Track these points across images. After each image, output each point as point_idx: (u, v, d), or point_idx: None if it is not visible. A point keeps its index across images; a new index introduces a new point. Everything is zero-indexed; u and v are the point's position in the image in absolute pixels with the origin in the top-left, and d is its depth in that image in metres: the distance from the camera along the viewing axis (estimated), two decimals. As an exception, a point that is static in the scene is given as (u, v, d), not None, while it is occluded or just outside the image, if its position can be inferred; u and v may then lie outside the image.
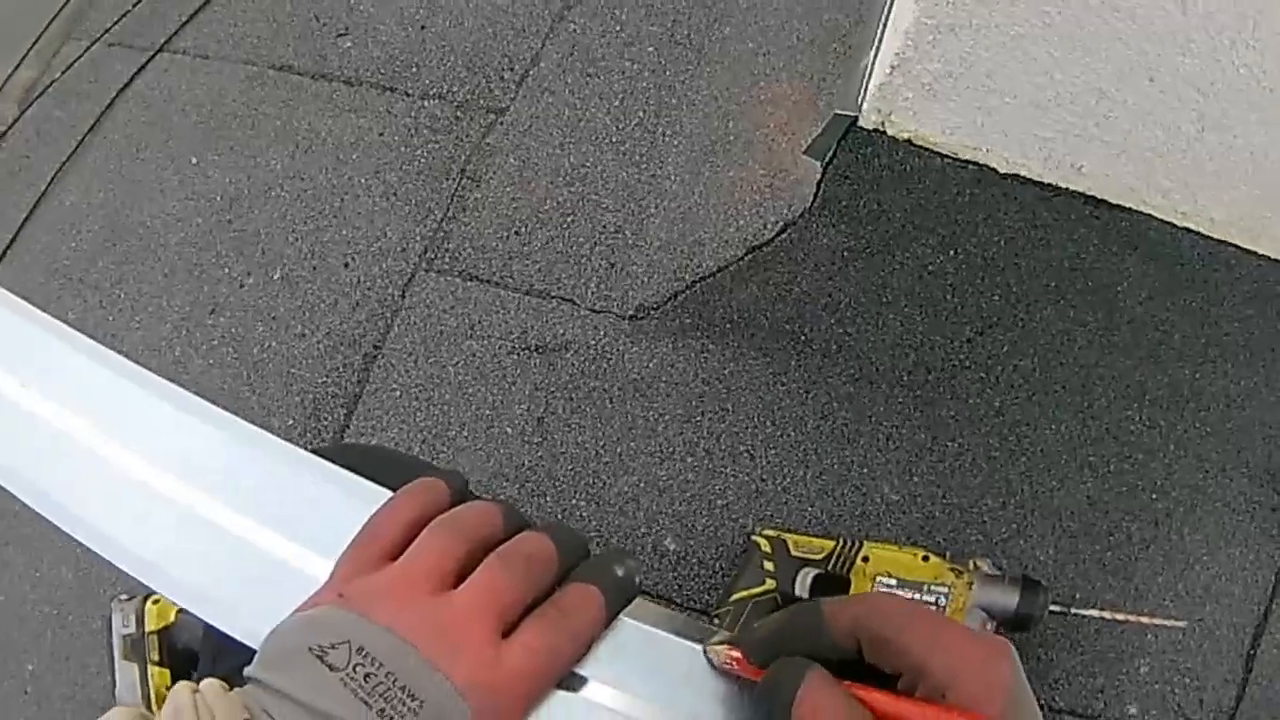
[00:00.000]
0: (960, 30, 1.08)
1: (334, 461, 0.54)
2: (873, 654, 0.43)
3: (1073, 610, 1.16)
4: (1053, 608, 1.14)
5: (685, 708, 0.47)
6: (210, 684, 0.43)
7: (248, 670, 0.42)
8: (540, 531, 0.48)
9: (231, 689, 0.43)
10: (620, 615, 0.48)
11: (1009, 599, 1.12)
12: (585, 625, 0.46)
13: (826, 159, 1.24)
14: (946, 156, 1.19)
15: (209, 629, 0.53)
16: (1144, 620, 1.17)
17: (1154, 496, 1.33)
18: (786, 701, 0.42)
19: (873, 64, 1.12)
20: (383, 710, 0.40)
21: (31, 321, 0.62)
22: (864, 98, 1.16)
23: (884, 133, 1.18)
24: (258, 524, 0.52)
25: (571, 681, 0.47)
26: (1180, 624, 1.18)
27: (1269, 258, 1.33)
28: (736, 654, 0.46)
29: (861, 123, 1.17)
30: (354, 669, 0.40)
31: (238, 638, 0.48)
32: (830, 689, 0.42)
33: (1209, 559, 1.30)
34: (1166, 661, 1.26)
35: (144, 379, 0.59)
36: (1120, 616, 1.16)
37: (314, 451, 0.57)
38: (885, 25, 1.20)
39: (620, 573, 0.48)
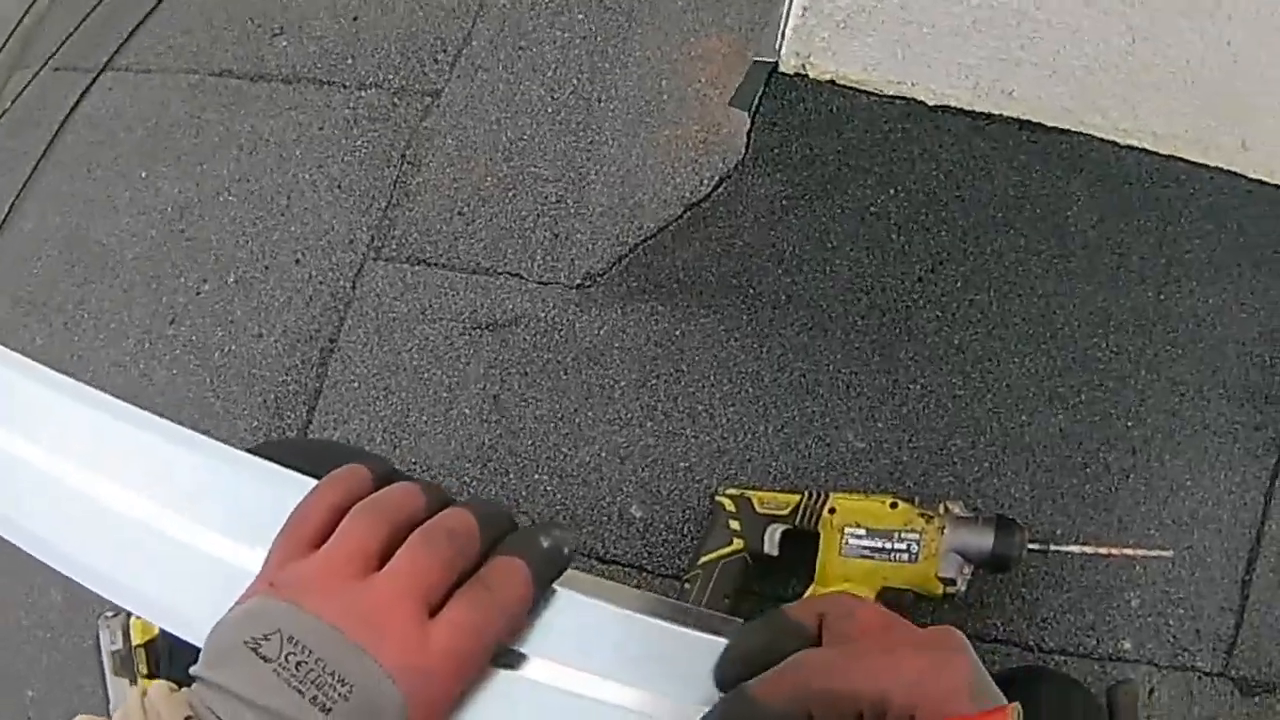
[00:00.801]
0: (866, -39, 1.05)
1: (266, 458, 0.55)
2: (825, 714, 0.41)
3: (1053, 547, 1.12)
4: (1031, 546, 1.10)
5: (625, 676, 0.47)
6: (158, 686, 0.44)
7: (192, 669, 0.43)
8: (462, 507, 0.48)
9: (181, 689, 0.44)
10: (558, 587, 0.49)
11: (984, 540, 1.09)
12: (512, 598, 0.46)
13: (752, 108, 1.20)
14: (872, 94, 1.16)
15: (163, 632, 0.55)
16: (1128, 553, 1.12)
17: (1129, 424, 1.28)
18: None
19: (788, 7, 1.09)
20: (315, 697, 0.40)
21: None
22: (781, 42, 1.12)
23: (806, 76, 1.14)
24: (191, 522, 0.52)
25: (511, 659, 0.47)
26: (1166, 554, 1.14)
27: (1221, 169, 1.28)
28: None
29: (782, 68, 1.13)
30: (286, 658, 0.40)
31: (184, 638, 0.48)
32: None
33: (1193, 485, 1.25)
34: (1158, 593, 1.21)
35: (73, 390, 0.59)
36: (1104, 550, 1.11)
37: (249, 450, 0.57)
38: (798, -35, 1.16)
39: (546, 543, 0.48)
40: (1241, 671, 1.19)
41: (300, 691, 0.40)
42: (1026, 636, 1.22)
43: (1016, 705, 0.38)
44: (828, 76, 1.13)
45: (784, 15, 1.10)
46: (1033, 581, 1.23)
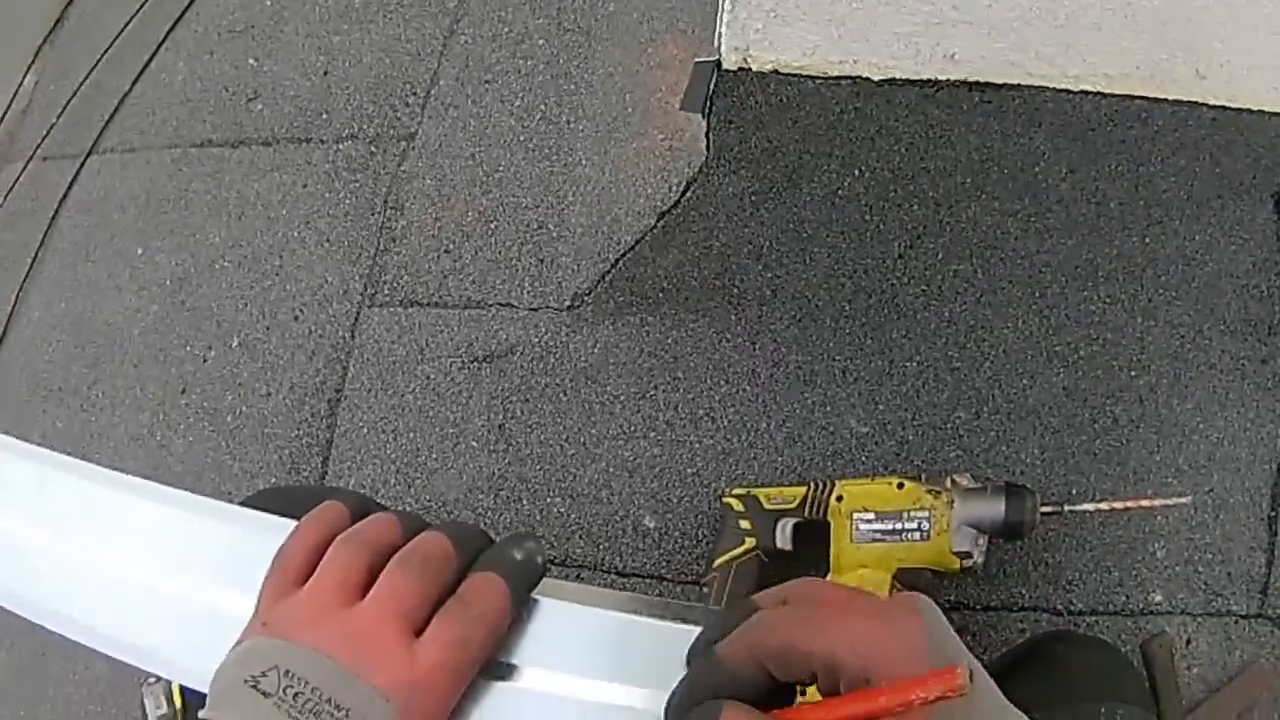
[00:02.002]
0: (781, -55, 1.04)
1: (255, 508, 0.57)
2: (781, 671, 0.42)
3: (1067, 508, 1.09)
4: (1045, 509, 1.07)
5: (613, 675, 0.48)
6: None
7: (200, 713, 0.43)
8: (437, 531, 0.49)
9: None
10: (540, 597, 0.50)
11: (995, 509, 1.07)
12: (492, 611, 0.47)
13: (705, 109, 1.20)
14: (817, 78, 1.15)
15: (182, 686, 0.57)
16: (1145, 504, 1.08)
17: (1133, 374, 1.26)
18: None
19: (720, 4, 1.08)
20: None
21: None
22: (719, 40, 1.11)
23: (749, 69, 1.13)
24: (187, 576, 0.54)
25: (503, 671, 0.48)
26: (1185, 500, 1.08)
27: (1182, 100, 1.25)
28: None
29: (725, 65, 1.12)
30: (284, 691, 0.42)
31: (195, 687, 0.49)
32: (746, 716, 0.41)
33: (1205, 427, 1.22)
34: (1183, 541, 1.18)
35: (66, 464, 0.61)
36: (1119, 505, 1.08)
37: (241, 502, 0.61)
38: (726, -37, 1.15)
39: (519, 556, 0.49)
40: (1279, 610, 1.15)
41: None
42: (1054, 601, 1.19)
43: (966, 664, 0.37)
44: (770, 67, 1.12)
45: (719, 12, 1.10)
46: (1053, 545, 1.20)
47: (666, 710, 0.45)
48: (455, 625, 0.46)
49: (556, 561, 1.33)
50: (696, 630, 0.48)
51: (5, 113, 2.03)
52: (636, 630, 0.49)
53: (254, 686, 0.42)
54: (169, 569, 0.55)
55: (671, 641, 0.48)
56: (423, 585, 0.46)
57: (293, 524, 0.51)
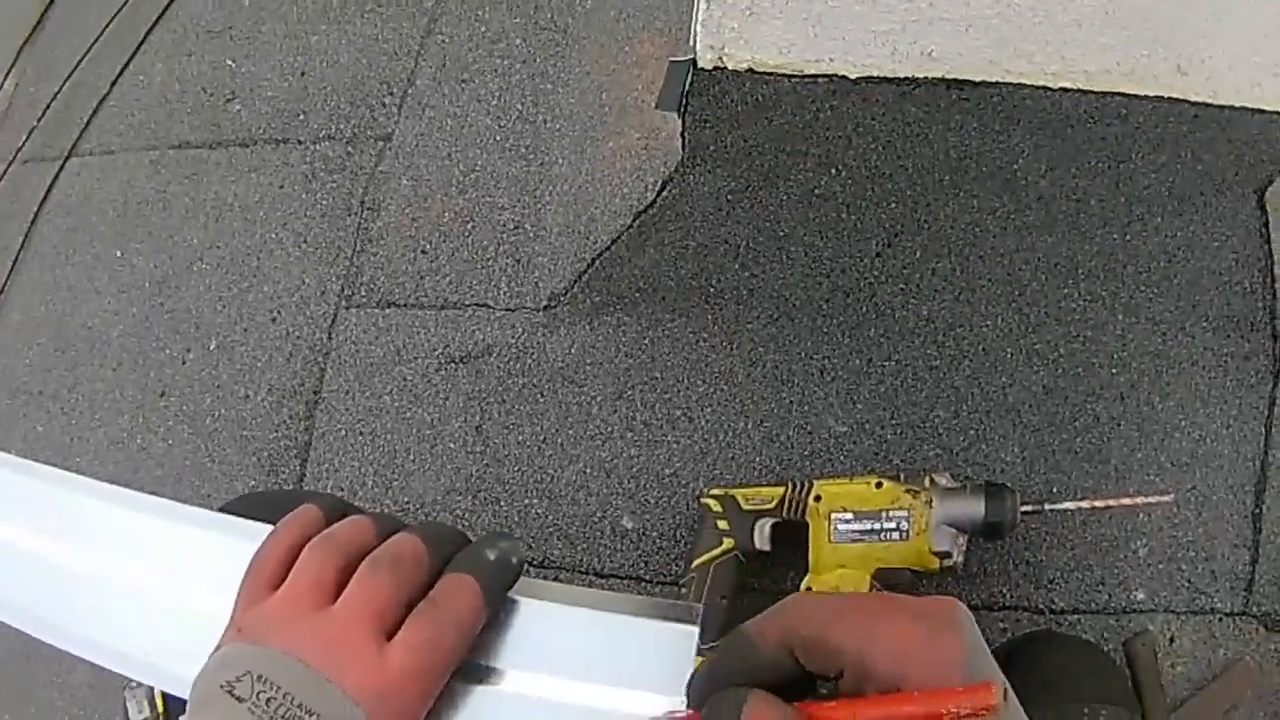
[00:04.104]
0: (758, -56, 0.99)
1: (234, 513, 0.56)
2: (809, 661, 0.40)
3: (1048, 507, 1.06)
4: (1025, 508, 1.05)
5: (595, 675, 0.47)
6: None
7: (180, 719, 0.44)
8: (410, 532, 0.48)
9: None
10: (519, 598, 0.49)
11: (974, 509, 1.04)
12: (464, 612, 0.46)
13: (681, 108, 1.16)
14: (793, 77, 1.10)
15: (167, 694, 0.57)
16: (1127, 502, 1.05)
17: (1114, 371, 1.22)
18: None
19: (696, 2, 1.04)
20: None
21: None
22: (694, 38, 1.07)
23: (725, 68, 1.09)
24: (167, 583, 0.54)
25: (484, 674, 0.47)
26: (1167, 498, 1.05)
27: (1163, 97, 1.21)
28: (682, 716, 0.43)
29: (700, 63, 1.08)
30: (258, 696, 0.41)
31: (178, 694, 0.49)
32: (773, 709, 0.38)
33: (1187, 424, 1.19)
34: (1166, 539, 1.15)
35: (50, 475, 0.61)
36: (1100, 503, 1.06)
37: (219, 508, 0.61)
38: (701, -41, 1.11)
39: (493, 556, 0.48)
40: (1264, 607, 1.12)
41: None
42: (1035, 600, 1.16)
43: (1002, 684, 0.35)
44: (745, 65, 1.08)
45: (694, 10, 1.06)
46: (1035, 544, 1.17)
47: (689, 689, 0.44)
48: (426, 627, 0.45)
49: (535, 563, 1.29)
50: (678, 627, 0.47)
51: (-16, 117, 1.98)
52: (617, 629, 0.48)
53: (229, 692, 0.41)
54: (149, 575, 0.54)
55: (653, 640, 0.47)
56: (394, 587, 0.45)
57: (268, 529, 0.50)
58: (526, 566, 0.50)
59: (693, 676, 0.44)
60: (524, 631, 0.48)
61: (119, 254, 1.72)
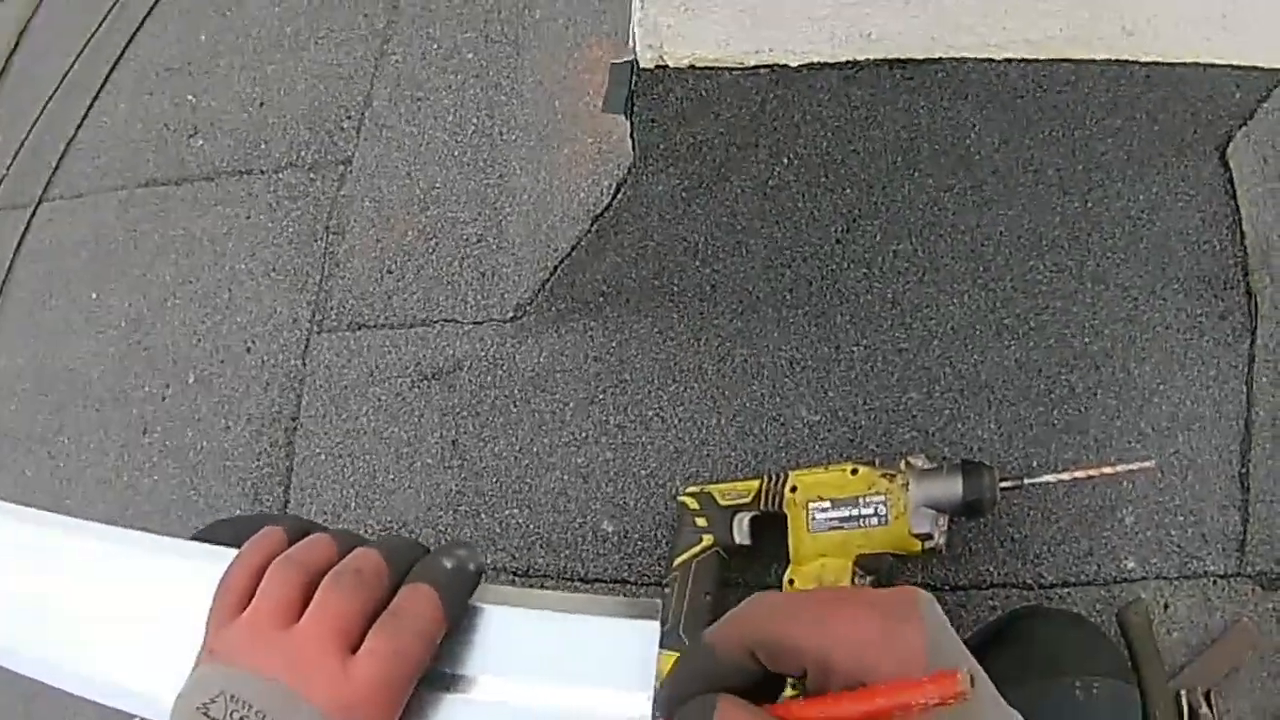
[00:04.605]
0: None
1: (206, 540, 0.58)
2: (772, 663, 0.40)
3: (1027, 481, 1.05)
4: (1004, 484, 1.04)
5: (563, 676, 0.48)
6: None
7: None
8: (371, 546, 0.50)
9: None
10: (484, 605, 0.50)
11: (952, 489, 1.04)
12: (425, 622, 0.47)
13: (627, 110, 1.15)
14: (735, 69, 1.10)
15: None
16: (1107, 472, 1.04)
17: (1086, 340, 1.21)
18: None
19: (631, 3, 1.03)
20: None
21: None
22: (633, 39, 1.06)
23: (666, 66, 1.08)
24: (143, 612, 0.55)
25: (453, 682, 0.48)
26: (1149, 465, 1.04)
27: (1112, 60, 1.19)
28: None
29: (642, 63, 1.07)
30: (231, 716, 0.42)
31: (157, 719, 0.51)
32: (742, 712, 0.39)
33: (1166, 388, 1.18)
34: (1152, 505, 1.14)
35: (19, 513, 0.62)
36: (1080, 474, 1.05)
37: (192, 536, 0.63)
38: (632, -42, 1.09)
39: (449, 565, 0.49)
40: (1258, 566, 1.11)
41: None
42: (1024, 576, 1.15)
43: (967, 669, 0.35)
44: (686, 62, 1.07)
45: (630, 11, 1.05)
46: (1018, 520, 1.16)
47: (655, 701, 0.45)
48: (388, 639, 0.46)
49: (519, 572, 1.29)
50: (640, 624, 0.48)
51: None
52: (580, 630, 0.49)
53: (205, 714, 0.42)
54: (123, 605, 0.55)
55: (616, 638, 0.48)
56: (356, 601, 0.47)
57: (234, 552, 0.51)
58: (511, 575, 0.52)
59: (658, 689, 0.45)
60: (488, 637, 0.49)
61: (94, 295, 1.72)
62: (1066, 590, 1.14)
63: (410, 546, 0.51)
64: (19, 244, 1.82)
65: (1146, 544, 1.13)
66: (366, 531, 1.36)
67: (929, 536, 1.03)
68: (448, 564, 0.49)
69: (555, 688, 0.48)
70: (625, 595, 1.25)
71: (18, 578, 0.59)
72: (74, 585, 0.57)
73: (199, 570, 0.53)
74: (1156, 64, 1.19)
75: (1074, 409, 1.19)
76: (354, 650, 0.46)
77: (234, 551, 0.52)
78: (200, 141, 1.74)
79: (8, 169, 1.89)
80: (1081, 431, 1.18)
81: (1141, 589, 1.12)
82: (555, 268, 1.31)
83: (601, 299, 1.32)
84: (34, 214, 1.83)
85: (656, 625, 0.48)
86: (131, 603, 0.56)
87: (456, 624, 0.49)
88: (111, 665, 0.54)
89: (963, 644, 0.39)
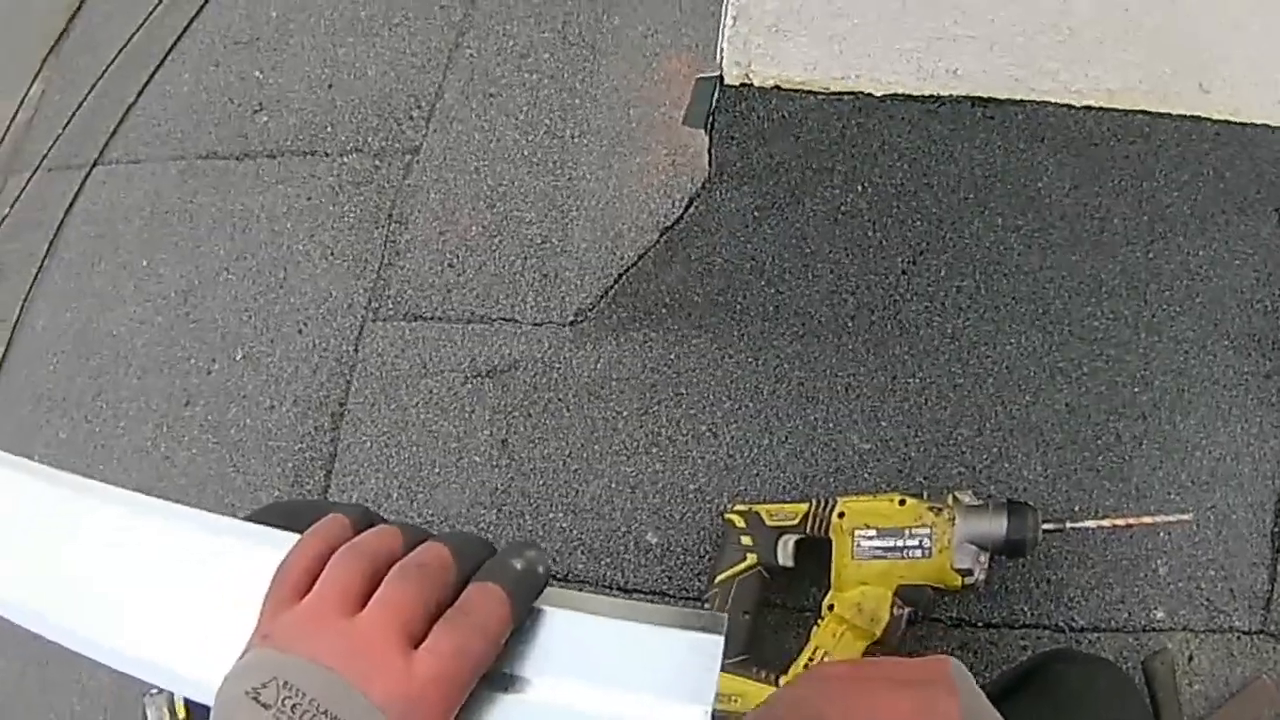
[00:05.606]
0: (782, -38, 1.07)
1: (261, 522, 0.58)
2: None
3: (1069, 525, 1.12)
4: (1047, 526, 1.11)
5: (619, 683, 0.48)
6: None
7: None
8: (438, 541, 0.50)
9: None
10: (545, 607, 0.51)
11: (996, 527, 1.10)
12: (491, 621, 0.47)
13: (706, 124, 1.24)
14: (819, 93, 1.18)
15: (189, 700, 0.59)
16: (1147, 521, 1.12)
17: (1136, 390, 1.29)
18: None
19: (722, 18, 1.12)
20: None
21: None
22: (721, 55, 1.15)
23: (751, 85, 1.17)
24: (191, 590, 0.56)
25: (509, 683, 0.49)
26: (1186, 517, 1.12)
27: (1185, 116, 1.28)
28: None
29: (727, 80, 1.16)
30: (283, 703, 0.42)
31: (201, 700, 0.50)
32: None
33: (1208, 442, 1.26)
34: (1185, 557, 1.22)
35: (77, 484, 0.63)
36: (1121, 522, 1.12)
37: (245, 518, 0.62)
38: (728, -23, 1.19)
39: (520, 566, 0.50)
40: (1281, 625, 1.18)
41: None
42: (1055, 618, 1.23)
43: None
44: (771, 82, 1.16)
45: (720, 27, 1.13)
46: (1055, 562, 1.24)
47: None
48: (453, 635, 0.47)
49: (558, 577, 1.36)
50: (704, 636, 0.49)
51: (10, 123, 2.07)
52: (643, 638, 0.49)
53: (255, 699, 0.43)
54: (175, 583, 0.56)
55: (678, 649, 0.48)
56: (421, 595, 0.47)
57: (295, 537, 0.52)
58: (551, 575, 0.52)
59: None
60: (549, 640, 0.50)
61: (145, 263, 1.81)
62: (1096, 635, 1.21)
63: (479, 544, 0.52)
64: (70, 205, 1.91)
65: (1177, 595, 1.21)
66: (406, 523, 1.44)
67: (970, 572, 1.10)
68: (518, 564, 0.50)
69: (613, 694, 0.48)
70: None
71: (66, 545, 0.60)
72: (128, 558, 0.58)
73: (255, 552, 0.54)
74: (1228, 123, 1.28)
75: (1118, 456, 1.27)
76: (416, 645, 0.46)
77: (292, 536, 0.53)
78: (265, 118, 1.83)
79: (64, 128, 1.97)
80: (1124, 479, 1.26)
81: (1168, 639, 1.19)
82: (620, 276, 1.40)
83: (663, 310, 1.41)
84: (88, 176, 1.92)
85: (720, 639, 0.48)
86: (181, 579, 0.56)
87: (520, 625, 0.50)
88: (156, 643, 0.55)
89: (994, 708, 0.41)
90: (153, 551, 0.58)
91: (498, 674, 0.49)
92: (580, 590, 1.35)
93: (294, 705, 0.42)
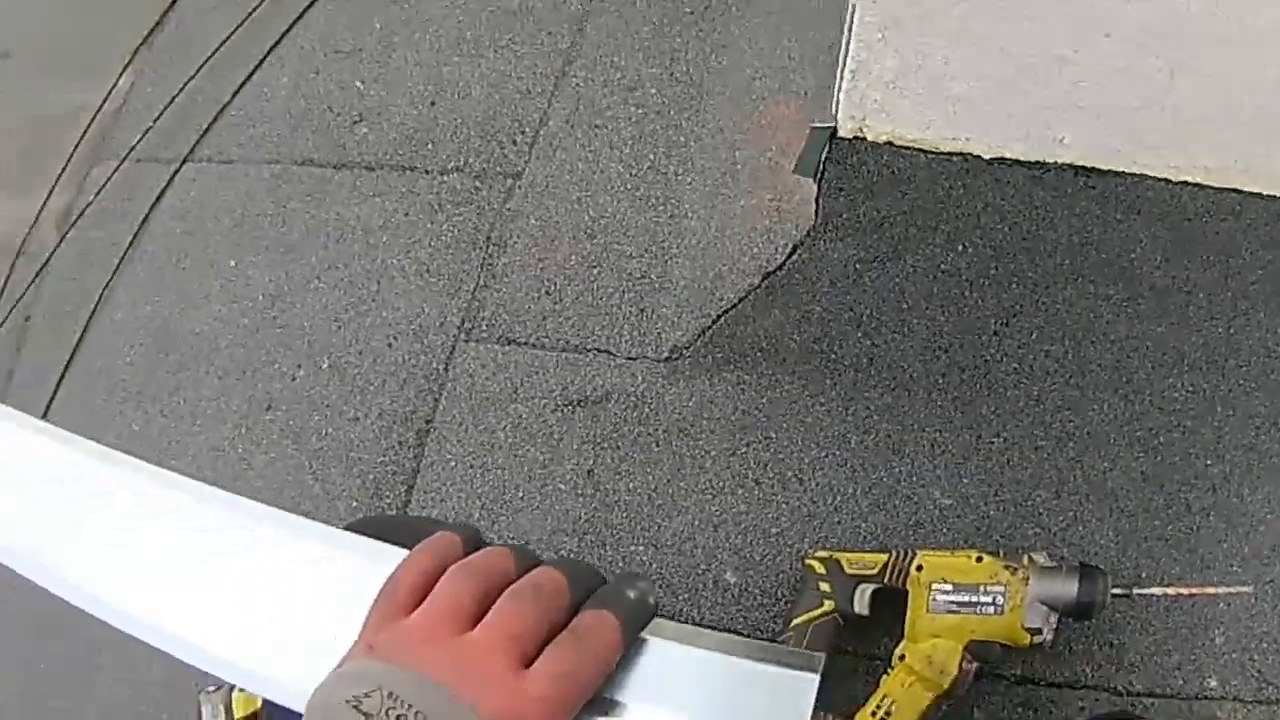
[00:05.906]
0: (905, 23, 1.23)
1: (360, 533, 0.62)
2: None
3: (1136, 591, 1.26)
4: (1115, 591, 1.24)
5: (715, 715, 0.53)
6: None
7: None
8: (552, 565, 0.54)
9: None
10: (648, 636, 0.54)
11: (1068, 589, 1.23)
12: (603, 647, 0.51)
13: (816, 174, 1.40)
14: (929, 152, 1.34)
15: (266, 706, 0.67)
16: (1210, 591, 1.27)
17: (1208, 462, 1.45)
18: None
19: (840, 71, 1.28)
20: None
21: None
22: (837, 107, 1.32)
23: (864, 139, 1.33)
24: (289, 595, 0.60)
25: (609, 708, 0.52)
26: (1246, 589, 1.26)
27: (1275, 196, 1.45)
28: None
29: (840, 132, 1.32)
30: (386, 713, 0.45)
31: (287, 704, 0.55)
32: None
33: (1273, 518, 1.41)
34: (1241, 629, 1.36)
35: (163, 477, 0.68)
36: (1185, 591, 1.26)
37: (344, 528, 0.66)
38: (849, 30, 1.35)
39: (633, 595, 0.53)
40: (1328, 701, 1.32)
41: None
42: (1114, 681, 1.37)
43: None
44: (885, 138, 1.32)
45: (837, 80, 1.29)
46: (1118, 626, 1.38)
47: None
48: (567, 658, 0.50)
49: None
50: (800, 674, 0.52)
51: (98, 112, 2.26)
52: (740, 672, 0.53)
53: (355, 706, 0.45)
54: (272, 587, 0.60)
55: (774, 685, 0.52)
56: (535, 617, 0.50)
57: (403, 552, 0.56)
58: (660, 607, 0.58)
59: None
60: (649, 668, 0.53)
61: (233, 264, 1.99)
62: (1151, 700, 1.36)
63: (591, 572, 0.55)
64: (158, 198, 2.10)
65: (1230, 665, 1.35)
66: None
67: (1039, 631, 1.24)
68: (631, 594, 0.53)
69: None
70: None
71: (165, 546, 0.63)
72: (225, 560, 0.61)
73: (356, 563, 0.58)
74: (1316, 204, 1.44)
75: (1187, 526, 1.42)
76: (527, 666, 0.49)
77: (395, 549, 0.57)
78: (365, 130, 2.01)
79: (154, 121, 2.17)
80: (1190, 549, 1.41)
81: (1218, 707, 1.34)
82: (719, 316, 1.58)
83: (758, 354, 1.58)
84: (178, 171, 2.10)
85: (816, 678, 0.51)
86: (279, 584, 0.60)
87: (629, 654, 0.52)
88: (245, 643, 0.59)
89: None
90: (257, 555, 0.61)
91: (598, 699, 0.52)
92: (656, 623, 1.53)
93: (398, 716, 0.45)
